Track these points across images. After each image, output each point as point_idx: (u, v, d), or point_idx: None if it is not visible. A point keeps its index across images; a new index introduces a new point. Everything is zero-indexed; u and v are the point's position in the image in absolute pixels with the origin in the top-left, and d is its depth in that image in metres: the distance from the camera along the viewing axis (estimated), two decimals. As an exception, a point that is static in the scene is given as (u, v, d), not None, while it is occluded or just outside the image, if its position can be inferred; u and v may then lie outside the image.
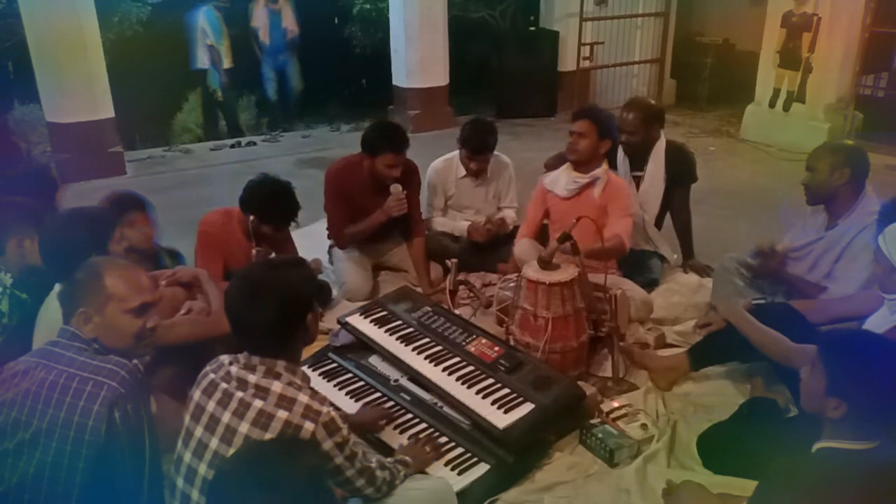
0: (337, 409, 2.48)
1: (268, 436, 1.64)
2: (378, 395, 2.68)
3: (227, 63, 7.55)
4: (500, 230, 3.77)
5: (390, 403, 2.62)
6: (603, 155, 3.29)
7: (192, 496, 1.72)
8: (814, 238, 2.97)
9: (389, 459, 2.03)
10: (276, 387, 1.69)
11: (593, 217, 2.94)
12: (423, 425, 2.50)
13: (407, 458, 2.10)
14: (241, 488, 1.33)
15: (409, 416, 2.55)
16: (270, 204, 3.04)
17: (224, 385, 1.73)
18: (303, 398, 1.69)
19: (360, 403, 2.62)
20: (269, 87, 7.99)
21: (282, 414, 1.66)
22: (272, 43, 7.73)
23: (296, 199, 3.10)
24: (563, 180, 3.34)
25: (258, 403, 1.67)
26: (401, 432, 2.47)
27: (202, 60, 7.50)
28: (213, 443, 1.69)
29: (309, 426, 1.66)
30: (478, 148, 3.70)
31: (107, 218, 2.37)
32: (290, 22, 7.74)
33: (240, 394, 1.70)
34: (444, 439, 2.42)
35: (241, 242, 3.13)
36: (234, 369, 1.74)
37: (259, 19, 7.66)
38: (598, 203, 3.22)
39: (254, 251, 3.09)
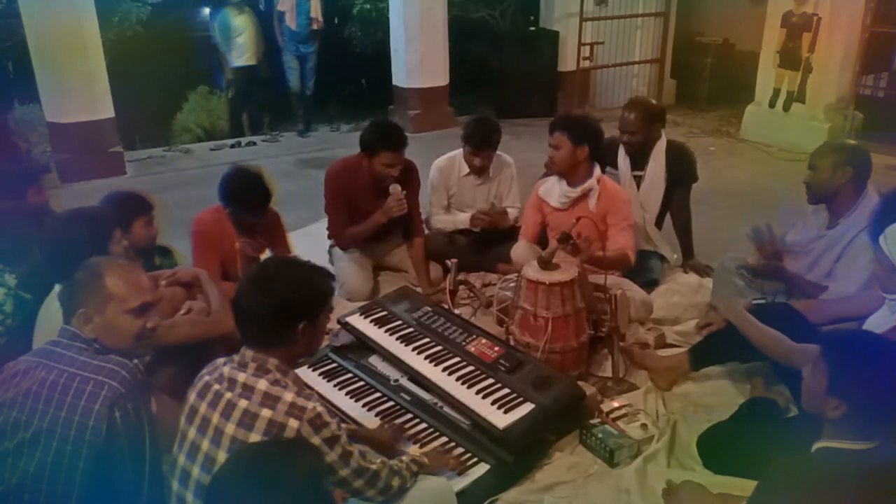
0: (340, 412, 2.48)
1: (253, 435, 1.63)
2: (378, 395, 2.68)
3: (242, 61, 7.45)
4: (500, 221, 3.77)
5: (390, 403, 2.62)
6: (588, 161, 3.19)
7: (187, 499, 1.71)
8: (815, 236, 2.97)
9: (405, 457, 2.01)
10: (262, 385, 1.69)
11: (594, 225, 2.95)
12: (424, 425, 2.50)
13: (423, 458, 2.07)
14: (237, 493, 1.33)
15: (409, 416, 2.55)
16: (240, 192, 3.03)
17: (216, 386, 1.73)
18: (287, 396, 1.67)
19: (360, 403, 2.62)
20: (292, 76, 7.51)
21: (265, 413, 1.65)
22: (298, 30, 7.37)
23: (264, 185, 3.07)
24: (556, 192, 3.30)
25: (243, 403, 1.67)
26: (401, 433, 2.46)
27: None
28: (205, 445, 1.69)
29: (293, 423, 1.64)
30: (480, 144, 3.70)
31: (107, 218, 2.37)
32: (316, 11, 7.33)
33: (228, 394, 1.70)
34: (443, 439, 2.42)
35: (233, 239, 3.12)
36: (226, 369, 1.75)
37: (286, 2, 7.28)
38: (596, 213, 3.18)
39: (237, 244, 3.08)
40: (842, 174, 2.82)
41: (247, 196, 3.04)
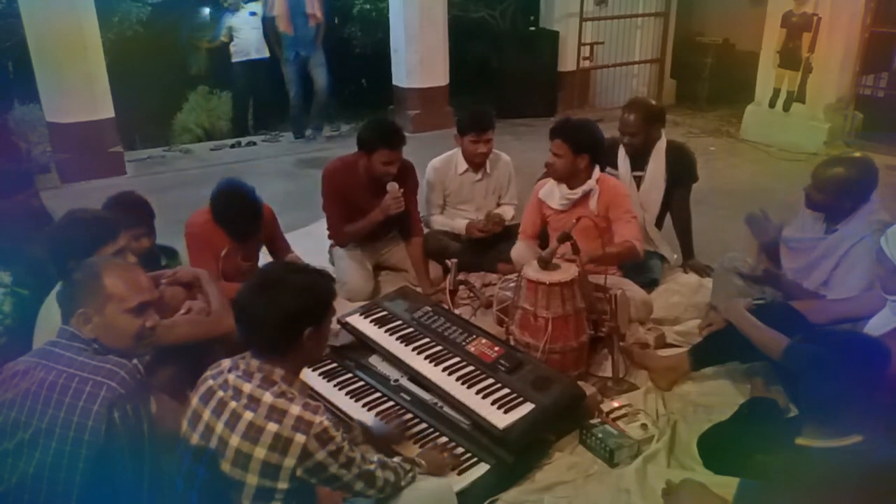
0: (340, 412, 2.48)
1: (258, 449, 1.63)
2: (378, 395, 2.67)
3: (244, 56, 7.43)
4: (496, 227, 3.76)
5: (390, 403, 2.62)
6: (589, 167, 3.19)
7: (192, 498, 1.72)
8: (811, 238, 2.92)
9: (397, 459, 2.02)
10: (267, 398, 1.67)
11: (594, 225, 2.95)
12: (424, 425, 2.50)
13: (420, 460, 2.08)
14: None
15: (409, 416, 2.55)
16: (225, 218, 2.96)
17: (220, 393, 1.72)
18: (294, 409, 1.66)
19: (359, 403, 2.62)
20: (293, 87, 6.92)
21: (272, 427, 1.64)
22: (295, 33, 6.63)
23: (249, 211, 2.97)
24: (556, 195, 3.29)
25: (248, 415, 1.66)
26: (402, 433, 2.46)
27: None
28: (209, 451, 1.69)
29: (300, 438, 1.64)
30: (485, 126, 3.68)
31: (110, 219, 2.37)
32: (313, 6, 6.56)
33: (233, 403, 1.69)
34: (444, 439, 2.42)
35: (225, 240, 3.08)
36: (231, 377, 1.74)
37: (278, 6, 6.55)
38: (597, 212, 3.19)
39: (222, 252, 3.04)
40: (851, 198, 2.74)
41: (231, 223, 2.97)
